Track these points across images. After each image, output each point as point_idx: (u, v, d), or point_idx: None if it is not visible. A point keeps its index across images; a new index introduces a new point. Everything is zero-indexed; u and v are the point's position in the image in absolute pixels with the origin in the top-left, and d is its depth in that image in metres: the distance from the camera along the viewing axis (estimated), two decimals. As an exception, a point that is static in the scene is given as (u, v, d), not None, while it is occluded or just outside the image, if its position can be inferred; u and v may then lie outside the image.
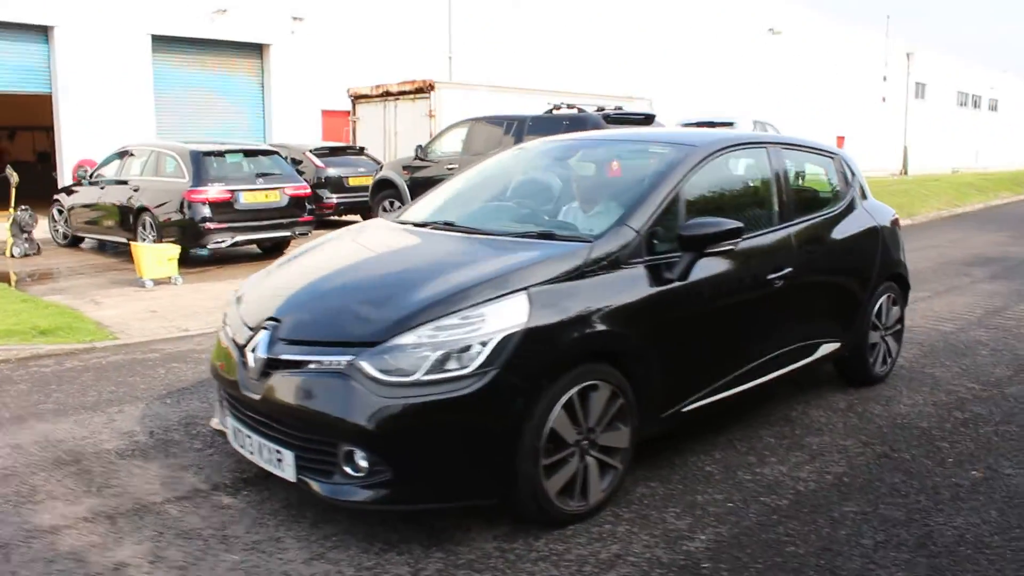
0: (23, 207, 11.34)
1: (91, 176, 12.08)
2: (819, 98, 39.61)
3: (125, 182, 11.20)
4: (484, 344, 3.04)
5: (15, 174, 11.31)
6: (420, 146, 13.34)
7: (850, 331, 5.02)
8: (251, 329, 3.49)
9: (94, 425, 4.61)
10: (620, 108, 12.79)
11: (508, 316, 3.11)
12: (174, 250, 9.20)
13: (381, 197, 13.70)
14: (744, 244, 4.09)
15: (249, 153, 11.21)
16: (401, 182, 13.27)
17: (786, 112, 35.74)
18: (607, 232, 3.58)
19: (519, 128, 11.60)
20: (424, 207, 4.58)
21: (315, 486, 3.18)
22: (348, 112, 18.54)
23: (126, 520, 3.45)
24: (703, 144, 4.14)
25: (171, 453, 4.20)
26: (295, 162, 14.64)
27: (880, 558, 3.18)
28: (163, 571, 3.04)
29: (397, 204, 13.03)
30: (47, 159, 19.17)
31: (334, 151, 15.18)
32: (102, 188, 11.61)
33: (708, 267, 3.81)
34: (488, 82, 19.71)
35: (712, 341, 3.93)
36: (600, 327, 3.32)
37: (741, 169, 4.51)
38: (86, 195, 11.94)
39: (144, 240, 10.38)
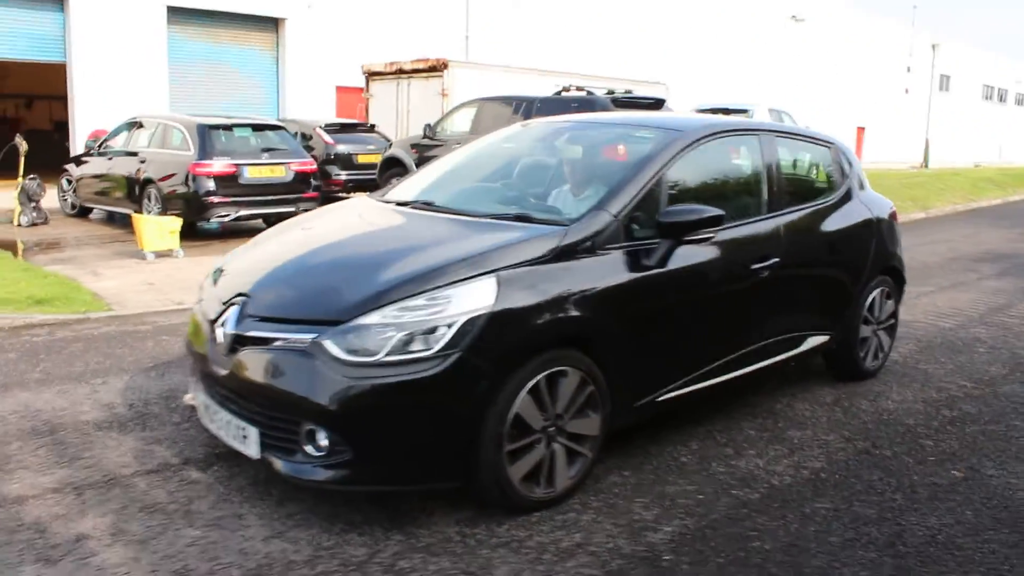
0: (31, 176, 11.39)
1: (100, 146, 12.11)
2: (840, 88, 39.10)
3: (132, 153, 11.23)
4: (449, 326, 3.01)
5: (24, 143, 11.37)
6: (429, 125, 13.28)
7: (840, 324, 4.95)
8: (223, 304, 3.48)
9: (76, 396, 4.63)
10: (630, 92, 12.66)
11: (475, 298, 3.07)
12: (175, 223, 9.22)
13: (389, 175, 13.64)
14: (728, 232, 4.03)
15: (256, 128, 11.20)
16: (409, 160, 13.22)
17: (806, 101, 35.34)
18: (584, 216, 3.52)
19: (527, 109, 11.51)
20: (411, 186, 4.54)
21: (277, 464, 3.16)
22: (362, 89, 18.48)
23: (93, 492, 3.46)
24: (690, 130, 4.06)
25: (148, 426, 4.20)
26: (305, 138, 14.64)
27: (846, 556, 3.13)
28: (122, 545, 3.04)
29: (404, 183, 12.96)
30: (63, 128, 19.23)
31: (344, 127, 15.14)
32: (110, 159, 11.64)
33: (689, 255, 3.75)
34: (504, 63, 19.58)
35: (690, 330, 3.87)
36: (570, 312, 3.28)
37: (730, 156, 4.42)
38: (94, 166, 11.98)
39: (149, 212, 10.41)
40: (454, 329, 3.00)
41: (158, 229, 9.06)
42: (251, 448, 3.25)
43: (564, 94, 12.09)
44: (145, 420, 4.28)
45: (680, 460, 3.96)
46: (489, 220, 3.64)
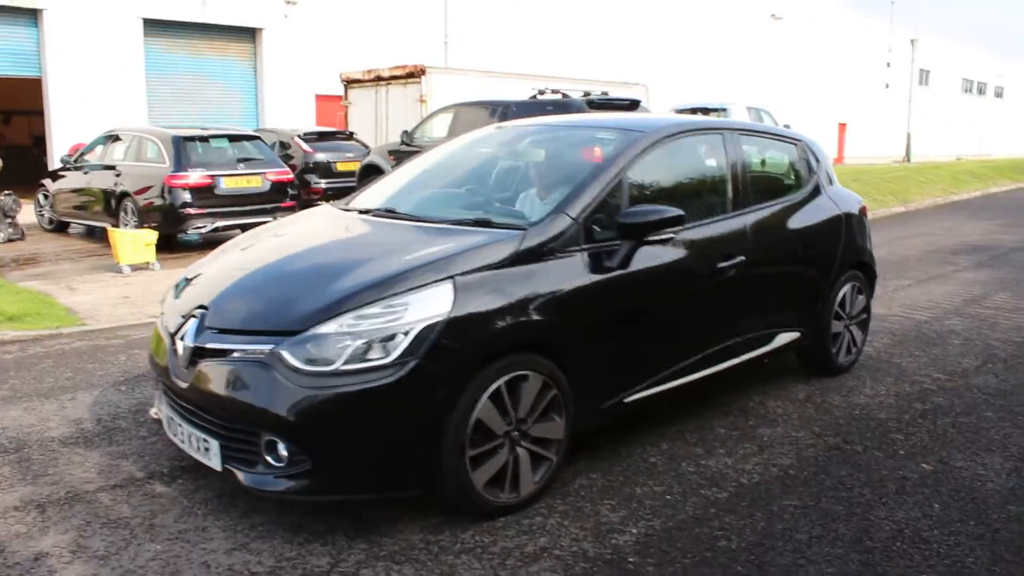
0: (6, 192, 11.33)
1: (75, 160, 12.03)
2: (821, 85, 39.31)
3: (109, 167, 11.16)
4: (405, 334, 2.99)
5: (-2, 159, 11.28)
6: (406, 131, 13.26)
7: (811, 320, 4.96)
8: (183, 317, 3.45)
9: (44, 412, 4.58)
10: (605, 93, 12.68)
11: (431, 305, 3.05)
12: (151, 236, 9.16)
13: (368, 182, 13.61)
14: (692, 232, 4.04)
15: (231, 138, 11.15)
16: (387, 167, 13.16)
17: (788, 98, 35.50)
18: (543, 220, 3.51)
19: (503, 113, 11.50)
20: (374, 193, 4.52)
21: (240, 476, 3.14)
22: (342, 97, 18.44)
23: (56, 509, 3.42)
24: (651, 130, 4.06)
25: (115, 441, 4.16)
26: (284, 147, 14.59)
27: (813, 553, 3.13)
28: (82, 562, 3.01)
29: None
30: (43, 143, 19.11)
31: (323, 136, 15.10)
32: (86, 173, 11.57)
33: (651, 255, 3.74)
34: (483, 67, 19.59)
35: (655, 330, 3.87)
36: (530, 316, 3.27)
37: (694, 156, 4.42)
38: (71, 180, 11.90)
39: (126, 226, 10.34)
40: (411, 336, 2.98)
41: (134, 242, 9.00)
42: (213, 460, 3.23)
43: (539, 97, 12.09)
44: (112, 435, 4.24)
45: (649, 461, 3.95)
46: (448, 226, 3.63)
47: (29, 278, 8.69)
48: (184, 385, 3.30)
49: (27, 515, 3.37)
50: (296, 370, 2.98)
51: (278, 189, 10.89)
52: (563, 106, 10.94)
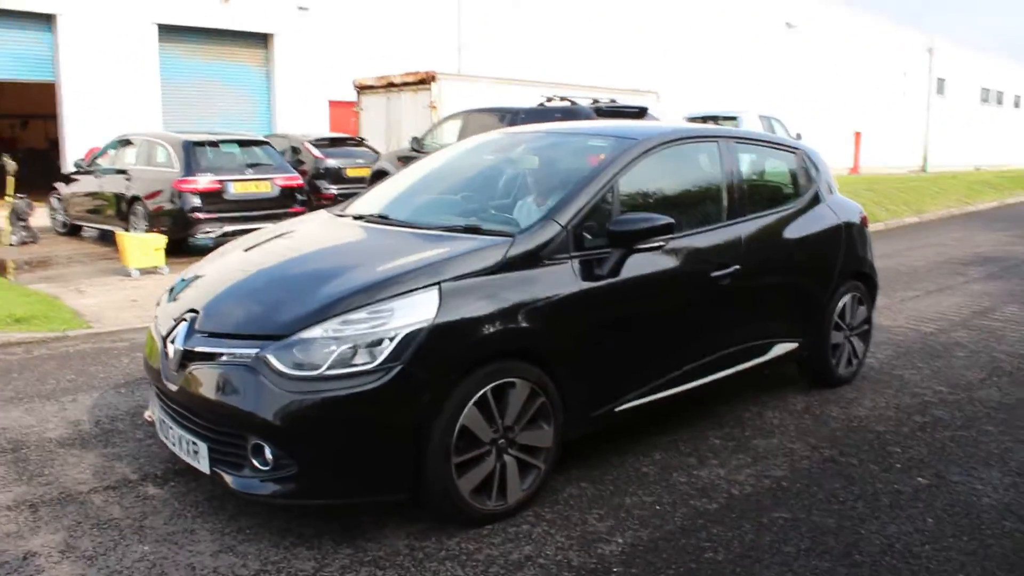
0: (20, 195, 11.43)
1: (88, 164, 12.15)
2: (836, 93, 39.12)
3: (120, 171, 11.27)
4: (390, 339, 3.00)
5: (12, 162, 11.38)
6: (416, 137, 13.32)
7: (809, 331, 4.93)
8: (174, 320, 3.48)
9: (44, 413, 4.63)
10: (614, 101, 12.68)
11: (416, 311, 3.06)
12: (160, 240, 9.24)
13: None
14: (685, 240, 4.03)
15: (241, 144, 11.24)
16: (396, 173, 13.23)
17: (802, 107, 35.35)
18: (532, 227, 3.51)
19: (512, 120, 11.52)
20: (371, 199, 4.55)
21: (227, 479, 3.16)
22: (354, 103, 18.54)
23: (48, 509, 3.45)
24: (644, 138, 4.05)
25: (111, 443, 4.20)
26: (295, 152, 14.69)
27: (799, 566, 3.11)
28: (70, 562, 3.03)
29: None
30: (58, 147, 19.33)
31: (333, 142, 15.19)
32: (98, 177, 11.68)
33: (642, 263, 3.74)
34: (494, 74, 19.65)
35: (648, 339, 3.86)
36: (517, 323, 3.27)
37: (688, 163, 4.41)
38: (83, 184, 12.03)
39: (136, 229, 10.43)
40: (395, 342, 2.99)
41: (142, 246, 9.08)
42: (202, 463, 3.25)
43: (548, 104, 12.11)
44: (109, 437, 4.28)
45: (641, 471, 3.93)
46: (438, 232, 3.64)
47: (39, 281, 8.78)
48: (174, 388, 3.33)
49: (19, 514, 3.40)
50: (282, 374, 2.99)
51: (287, 194, 10.96)
52: (571, 113, 10.95)
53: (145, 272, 9.13)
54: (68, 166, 16.72)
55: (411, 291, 3.10)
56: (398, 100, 17.17)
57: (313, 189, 13.78)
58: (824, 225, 5.01)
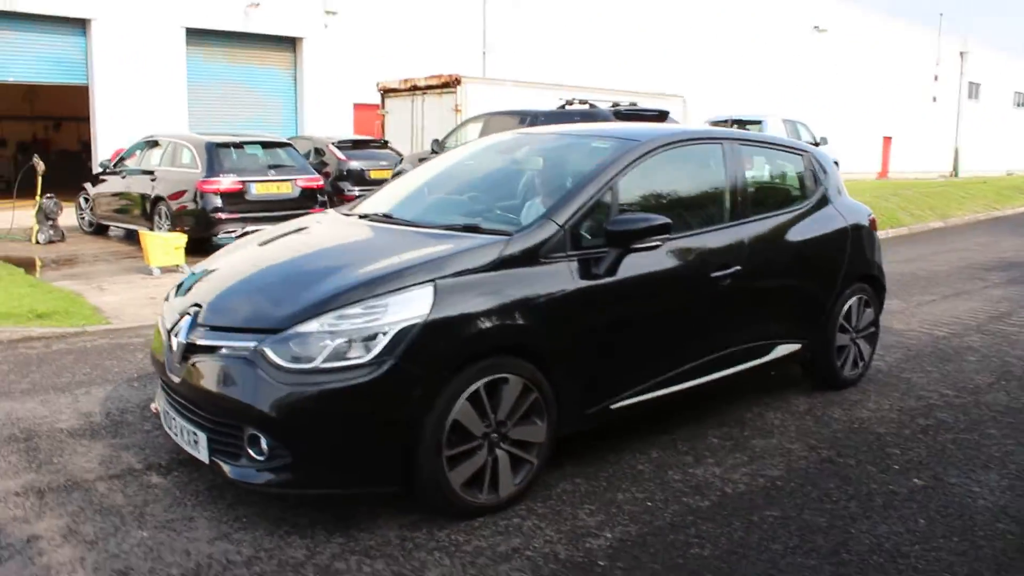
0: (48, 195, 11.72)
1: (115, 165, 12.41)
2: (866, 98, 38.70)
3: (146, 172, 11.50)
4: (384, 334, 3.07)
5: (41, 163, 11.69)
6: (437, 140, 13.42)
7: (814, 333, 4.92)
8: (179, 315, 3.58)
9: (58, 405, 4.76)
10: (634, 104, 12.70)
11: (411, 307, 3.13)
12: (181, 239, 9.41)
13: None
14: (686, 241, 4.07)
15: (264, 145, 11.41)
16: (417, 176, 13.33)
17: (831, 111, 35.04)
18: (529, 226, 3.57)
19: (532, 122, 11.57)
20: (380, 198, 4.63)
21: (225, 468, 3.25)
22: (379, 106, 18.72)
23: (54, 495, 3.56)
24: (646, 139, 4.09)
25: (120, 434, 4.31)
26: (319, 153, 14.87)
27: (785, 564, 3.12)
28: (71, 545, 3.14)
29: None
30: (90, 149, 19.74)
31: (357, 144, 15.35)
32: (124, 177, 11.93)
33: (641, 263, 3.77)
34: (518, 78, 19.73)
35: (644, 338, 3.89)
36: (511, 320, 3.32)
37: (691, 165, 4.44)
38: (110, 184, 12.28)
39: (160, 229, 10.64)
40: (389, 336, 3.06)
41: (164, 245, 9.26)
42: (202, 453, 3.34)
43: (568, 108, 12.15)
44: (118, 428, 4.39)
45: (637, 468, 3.97)
46: (438, 231, 3.71)
47: (63, 278, 9.00)
48: (177, 380, 3.43)
49: (26, 500, 3.52)
50: (278, 367, 3.07)
51: (308, 195, 11.11)
52: (590, 116, 10.99)
53: (166, 271, 9.31)
54: (98, 167, 17.08)
55: (406, 287, 3.17)
56: (422, 103, 17.30)
57: (336, 191, 13.95)
58: (830, 227, 5.01)
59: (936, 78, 43.40)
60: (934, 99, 43.39)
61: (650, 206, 4.08)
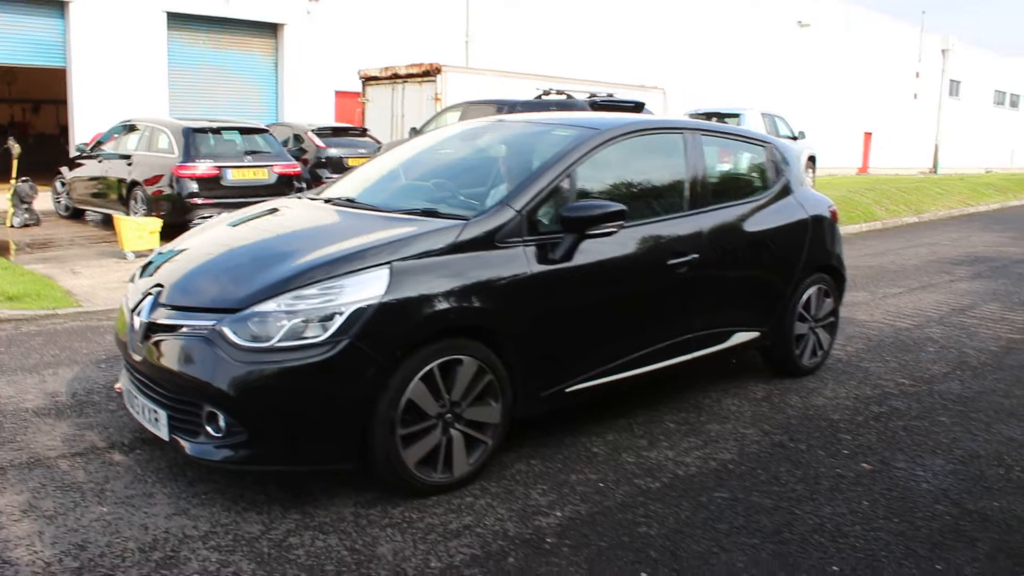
0: (24, 178, 11.64)
1: (92, 149, 12.35)
2: (848, 93, 38.98)
3: (122, 156, 11.46)
4: (340, 314, 3.14)
5: (16, 146, 11.60)
6: (414, 128, 13.46)
7: (772, 321, 5.03)
8: (142, 294, 3.63)
9: (24, 385, 4.79)
10: (611, 95, 12.77)
11: (366, 288, 3.20)
12: (156, 223, 9.41)
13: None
14: (643, 228, 4.15)
15: (241, 131, 11.39)
16: (396, 164, 13.36)
17: (812, 106, 35.28)
18: (486, 211, 3.64)
19: (510, 111, 11.63)
20: (345, 184, 4.69)
21: (184, 445, 3.31)
22: (360, 93, 18.70)
23: (16, 472, 3.61)
24: (605, 128, 4.17)
25: (85, 413, 4.36)
26: (298, 140, 14.85)
27: (729, 543, 3.22)
28: (30, 520, 3.19)
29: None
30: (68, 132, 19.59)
31: (336, 131, 15.34)
32: (101, 161, 11.87)
33: (597, 249, 3.85)
34: (499, 67, 19.75)
35: (600, 323, 3.97)
36: (466, 303, 3.39)
37: (651, 154, 4.51)
38: (86, 168, 12.22)
39: (136, 214, 10.62)
40: (343, 317, 3.13)
41: (138, 229, 9.26)
42: (162, 430, 3.40)
43: (544, 97, 12.21)
44: (83, 407, 4.44)
45: (592, 450, 4.06)
46: (398, 215, 3.77)
47: (36, 261, 8.98)
48: (139, 359, 3.48)
49: (-12, 477, 3.56)
50: (236, 346, 3.13)
51: (284, 182, 11.11)
52: (567, 106, 11.06)
53: (140, 255, 9.29)
54: (74, 151, 16.96)
55: (362, 269, 3.24)
56: (403, 91, 17.31)
57: (314, 178, 13.93)
58: (790, 218, 5.10)
59: (917, 75, 43.76)
60: (915, 96, 43.76)
61: (608, 194, 4.15)
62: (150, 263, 4.05)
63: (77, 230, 11.83)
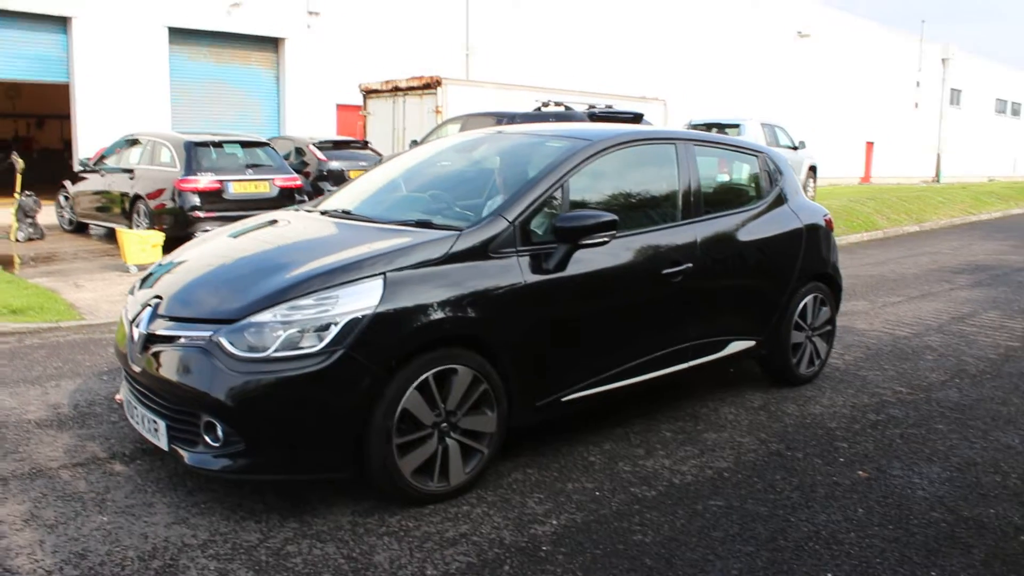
0: (27, 193, 11.74)
1: (95, 163, 12.44)
2: (848, 103, 39.09)
3: (124, 170, 11.54)
4: (334, 324, 3.18)
5: (20, 161, 11.71)
6: (415, 141, 13.53)
7: (768, 330, 5.05)
8: (141, 306, 3.68)
9: (27, 397, 4.83)
10: (610, 107, 12.84)
11: (361, 299, 3.24)
12: (158, 237, 9.48)
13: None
14: (637, 238, 4.19)
15: (243, 145, 11.48)
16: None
17: (814, 116, 35.37)
18: (480, 222, 3.68)
19: (509, 123, 11.68)
20: (342, 195, 4.74)
21: (183, 455, 3.34)
22: (361, 106, 18.82)
23: (18, 482, 3.65)
24: (598, 139, 4.22)
25: (87, 424, 4.39)
26: (299, 153, 14.94)
27: (724, 550, 3.24)
28: (32, 529, 3.22)
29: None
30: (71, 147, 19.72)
31: (337, 144, 15.43)
32: (104, 175, 11.96)
33: (591, 259, 3.89)
34: (499, 80, 19.87)
35: (594, 332, 4.00)
36: (460, 313, 3.43)
37: (643, 164, 4.56)
38: (89, 182, 12.31)
39: (138, 227, 10.69)
40: (338, 327, 3.17)
41: (140, 243, 9.32)
42: (161, 440, 3.44)
43: (544, 109, 12.29)
44: (85, 419, 4.47)
45: (589, 459, 4.08)
46: (393, 226, 3.82)
47: (40, 275, 9.04)
48: (138, 369, 3.52)
49: (-10, 488, 3.59)
50: (233, 356, 3.17)
51: (286, 195, 11.18)
52: (566, 118, 11.13)
53: (143, 268, 9.35)
54: (78, 166, 17.08)
55: (357, 280, 3.28)
56: (403, 104, 17.41)
57: (316, 191, 14.00)
58: (784, 227, 5.14)
59: (918, 84, 43.88)
60: (916, 105, 43.87)
61: (602, 204, 4.20)
62: (150, 275, 4.09)
63: (80, 244, 11.90)
